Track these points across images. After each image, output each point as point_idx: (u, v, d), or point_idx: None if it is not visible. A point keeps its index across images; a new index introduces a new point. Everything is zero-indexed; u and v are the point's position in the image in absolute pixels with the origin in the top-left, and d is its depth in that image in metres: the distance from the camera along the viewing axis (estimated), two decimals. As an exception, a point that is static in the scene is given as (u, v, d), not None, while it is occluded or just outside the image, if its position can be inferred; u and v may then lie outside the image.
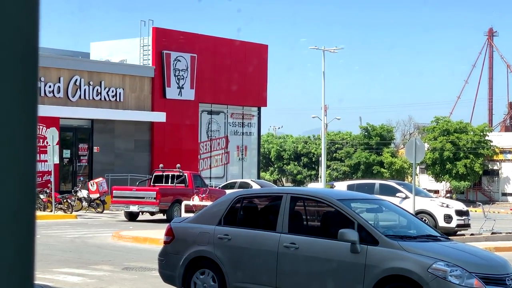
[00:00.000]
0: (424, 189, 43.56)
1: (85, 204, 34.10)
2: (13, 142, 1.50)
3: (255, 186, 38.93)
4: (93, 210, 33.97)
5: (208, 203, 21.57)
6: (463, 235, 25.85)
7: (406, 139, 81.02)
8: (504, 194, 73.59)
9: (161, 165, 34.01)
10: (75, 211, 32.45)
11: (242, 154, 48.54)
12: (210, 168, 46.24)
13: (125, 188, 31.85)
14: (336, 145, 79.24)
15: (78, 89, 39.04)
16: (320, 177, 61.81)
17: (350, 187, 27.95)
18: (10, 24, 1.49)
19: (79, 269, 15.72)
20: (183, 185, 31.61)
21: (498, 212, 49.08)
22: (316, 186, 49.36)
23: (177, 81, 43.37)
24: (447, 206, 27.35)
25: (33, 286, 1.54)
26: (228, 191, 26.67)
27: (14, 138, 1.50)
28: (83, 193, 34.08)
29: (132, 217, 30.77)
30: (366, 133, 75.04)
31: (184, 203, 27.27)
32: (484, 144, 68.12)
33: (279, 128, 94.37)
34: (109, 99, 40.39)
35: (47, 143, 32.61)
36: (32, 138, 1.53)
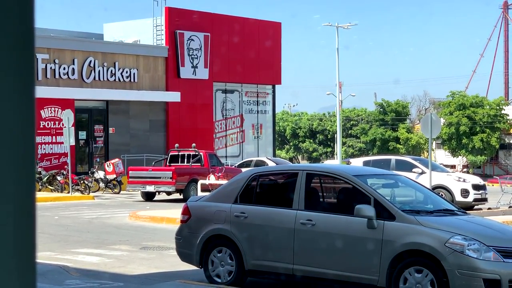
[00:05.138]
0: (441, 164, 43.43)
1: (102, 185, 34.23)
2: (9, 126, 1.48)
3: (271, 164, 38.93)
4: (110, 191, 34.11)
5: (224, 181, 21.60)
6: (480, 209, 25.77)
7: (421, 114, 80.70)
8: (521, 168, 73.21)
9: (176, 145, 34.05)
10: (92, 192, 32.59)
11: (258, 132, 48.52)
12: (226, 147, 46.27)
13: (141, 169, 31.93)
14: (351, 122, 79.07)
15: (93, 71, 39.08)
16: (336, 154, 61.77)
17: (366, 163, 27.88)
18: (3, 5, 1.46)
19: (97, 249, 15.80)
20: (199, 164, 31.64)
21: (516, 186, 48.78)
22: (332, 163, 49.30)
23: (191, 61, 43.32)
24: (464, 181, 27.26)
25: (35, 266, 1.54)
26: (244, 170, 26.70)
27: (11, 121, 1.48)
28: (99, 174, 34.20)
29: (148, 197, 30.87)
30: (381, 109, 74.74)
31: (200, 182, 27.31)
32: (501, 118, 67.69)
33: (294, 105, 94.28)
34: (123, 80, 40.43)
35: (62, 125, 32.70)
36: (30, 121, 1.51)
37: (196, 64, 43.59)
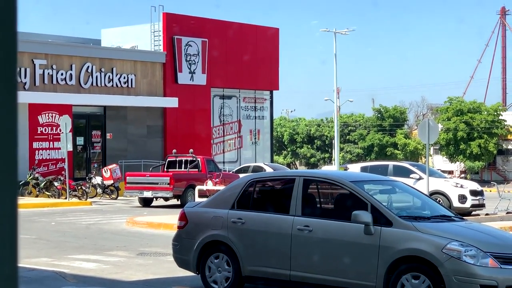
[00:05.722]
0: (438, 169, 43.44)
1: (99, 190, 34.21)
2: None
3: (269, 170, 38.92)
4: (108, 196, 34.08)
5: (222, 187, 21.59)
6: (478, 215, 25.77)
7: (419, 120, 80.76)
8: (519, 174, 73.22)
9: (174, 151, 34.05)
10: (89, 198, 32.56)
11: (255, 138, 48.51)
12: (223, 152, 46.25)
13: (138, 174, 31.91)
14: (349, 128, 79.10)
15: (90, 76, 39.07)
16: (334, 160, 61.77)
17: (363, 169, 27.87)
18: None
19: (94, 255, 15.78)
20: (197, 170, 31.64)
21: (513, 192, 48.80)
22: (330, 169, 49.29)
23: (189, 66, 43.32)
24: (462, 187, 27.25)
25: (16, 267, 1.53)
26: (241, 175, 26.68)
27: None
28: (97, 180, 34.18)
29: (146, 202, 30.85)
30: (379, 115, 74.84)
31: (197, 188, 27.31)
32: (498, 124, 67.81)
33: (291, 111, 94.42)
34: (121, 86, 40.42)
35: (60, 130, 32.68)
36: (12, 125, 1.50)
37: (194, 70, 43.59)
